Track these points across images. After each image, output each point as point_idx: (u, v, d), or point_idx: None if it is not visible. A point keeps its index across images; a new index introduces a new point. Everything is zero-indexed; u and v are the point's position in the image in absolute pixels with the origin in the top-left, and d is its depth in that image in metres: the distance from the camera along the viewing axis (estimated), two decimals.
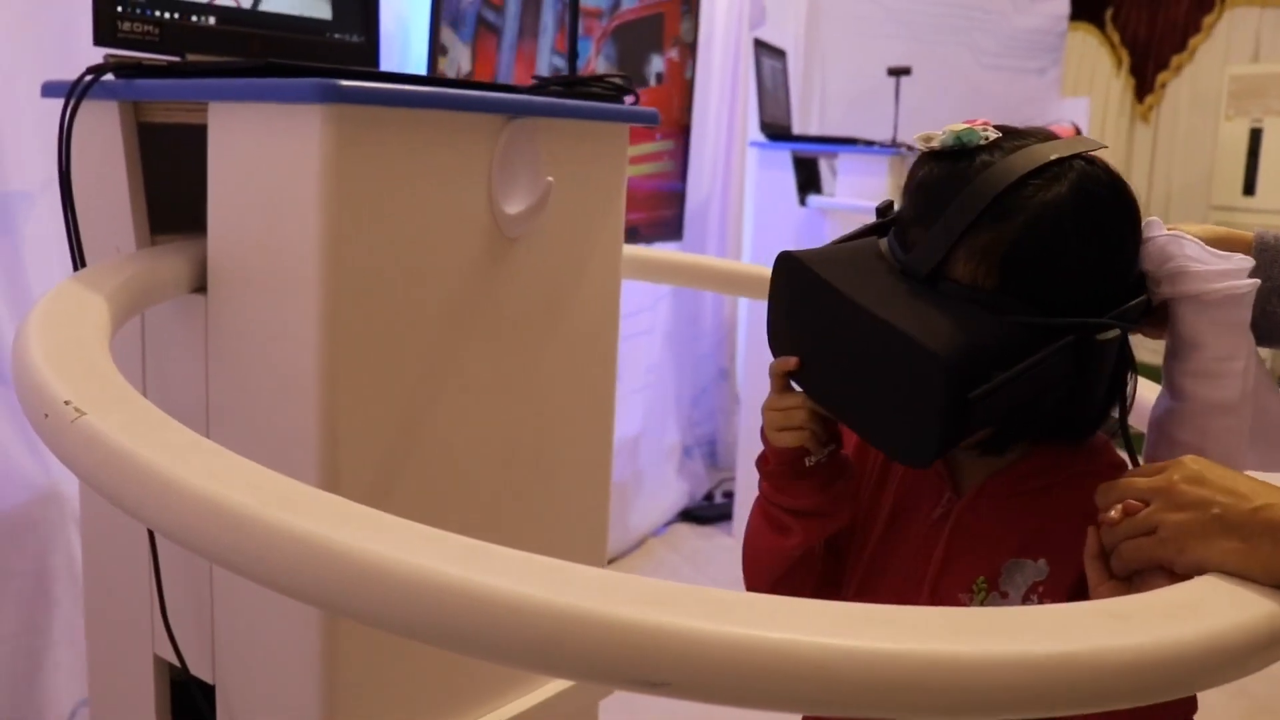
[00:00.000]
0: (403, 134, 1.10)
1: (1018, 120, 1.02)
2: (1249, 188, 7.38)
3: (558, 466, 1.41)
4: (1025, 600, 1.01)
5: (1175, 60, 7.65)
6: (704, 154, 4.33)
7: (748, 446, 4.23)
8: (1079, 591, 0.98)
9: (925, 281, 0.94)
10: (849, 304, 0.94)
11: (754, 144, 4.00)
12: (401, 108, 1.10)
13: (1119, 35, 7.71)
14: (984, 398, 0.87)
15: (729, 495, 4.56)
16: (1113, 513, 0.86)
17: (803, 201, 4.00)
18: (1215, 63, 7.47)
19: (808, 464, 1.07)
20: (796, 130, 4.34)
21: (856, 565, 1.15)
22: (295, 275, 1.08)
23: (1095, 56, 7.68)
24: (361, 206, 1.07)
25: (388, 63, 2.37)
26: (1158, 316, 0.97)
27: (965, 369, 0.87)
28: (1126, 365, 0.97)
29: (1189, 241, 0.94)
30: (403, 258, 1.13)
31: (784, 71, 4.06)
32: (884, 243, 1.01)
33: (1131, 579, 0.87)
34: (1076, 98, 6.50)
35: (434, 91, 1.13)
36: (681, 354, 4.48)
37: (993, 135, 0.95)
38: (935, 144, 0.97)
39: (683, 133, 3.93)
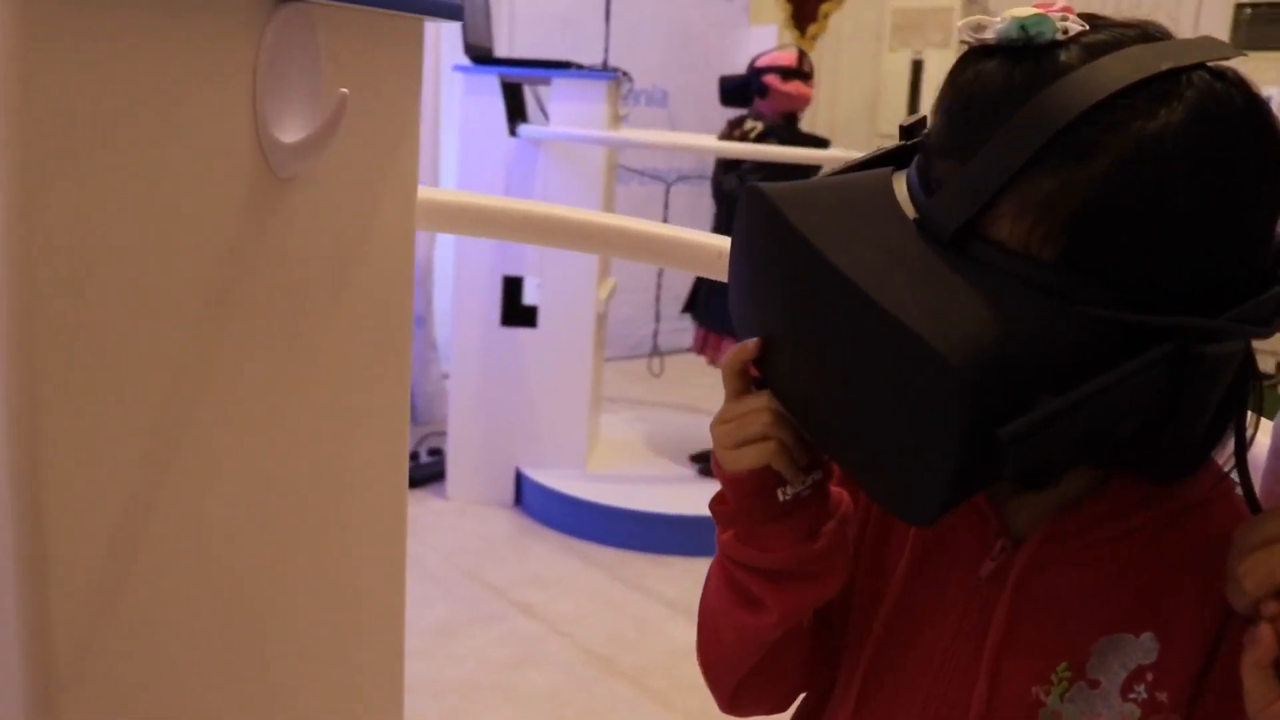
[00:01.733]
0: (120, 30, 0.68)
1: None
2: (912, 114, 7.65)
3: (350, 500, 1.03)
4: (1127, 693, 0.73)
5: None
6: None
7: (456, 399, 3.89)
8: (1204, 682, 0.72)
9: (950, 245, 0.63)
10: (831, 273, 0.62)
11: (458, 68, 3.60)
12: None
13: None
14: (1022, 437, 0.58)
15: (436, 452, 4.22)
16: None
17: (513, 131, 3.65)
18: None
19: (782, 499, 0.76)
20: (501, 55, 3.97)
21: (862, 644, 0.84)
22: None
23: None
24: (62, 140, 0.65)
25: None
26: None
27: (995, 387, 0.58)
28: (1247, 382, 0.68)
29: None
30: (128, 216, 0.71)
31: None
32: (901, 179, 0.70)
33: None
34: (765, 25, 6.42)
35: None
36: None
37: (1075, 28, 0.65)
38: (990, 35, 0.65)
39: None
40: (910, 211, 0.67)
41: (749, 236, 0.71)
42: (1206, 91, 0.62)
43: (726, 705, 0.89)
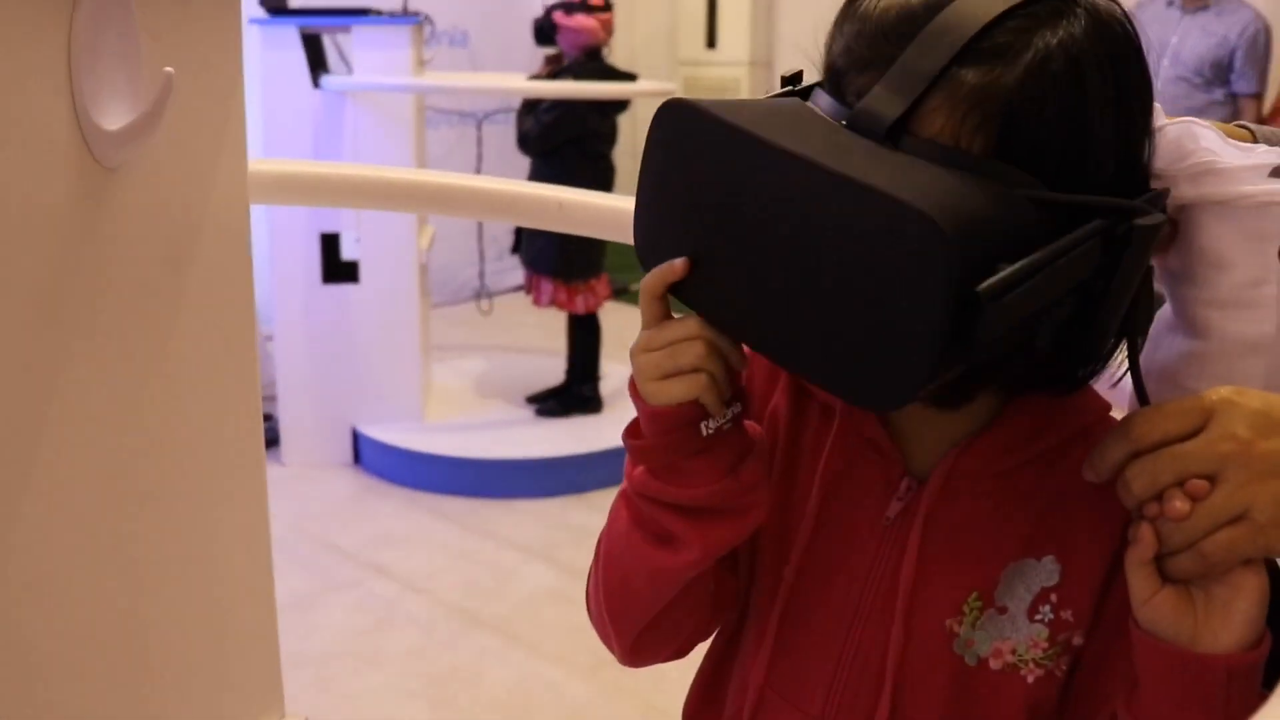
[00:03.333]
0: None
1: None
2: (711, 41, 7.72)
3: (208, 484, 0.99)
4: (1033, 615, 0.76)
5: None
6: None
7: (283, 362, 3.78)
8: (1105, 598, 0.76)
9: (886, 140, 0.65)
10: (783, 158, 0.63)
11: (254, 20, 3.45)
12: None
13: None
14: (999, 294, 0.59)
15: (268, 418, 4.10)
16: (1178, 502, 0.63)
17: (316, 83, 3.54)
18: None
19: (705, 432, 0.74)
20: (295, 4, 3.81)
21: (773, 590, 0.84)
22: None
23: None
24: None
25: None
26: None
27: (969, 247, 0.59)
28: (1145, 281, 0.70)
29: (1205, 129, 0.71)
30: None
31: None
32: (810, 104, 0.71)
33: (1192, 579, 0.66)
34: None
35: None
36: None
37: None
38: None
39: None
40: (834, 121, 0.68)
41: (667, 153, 0.69)
42: (1095, 10, 0.68)
43: (627, 654, 0.87)
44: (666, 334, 0.72)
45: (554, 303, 4.13)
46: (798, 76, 0.76)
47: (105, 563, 0.83)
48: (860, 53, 0.69)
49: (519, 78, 4.13)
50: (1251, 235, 0.70)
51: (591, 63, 4.04)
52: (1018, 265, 0.60)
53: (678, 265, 0.70)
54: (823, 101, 0.71)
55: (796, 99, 0.73)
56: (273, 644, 1.15)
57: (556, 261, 4.05)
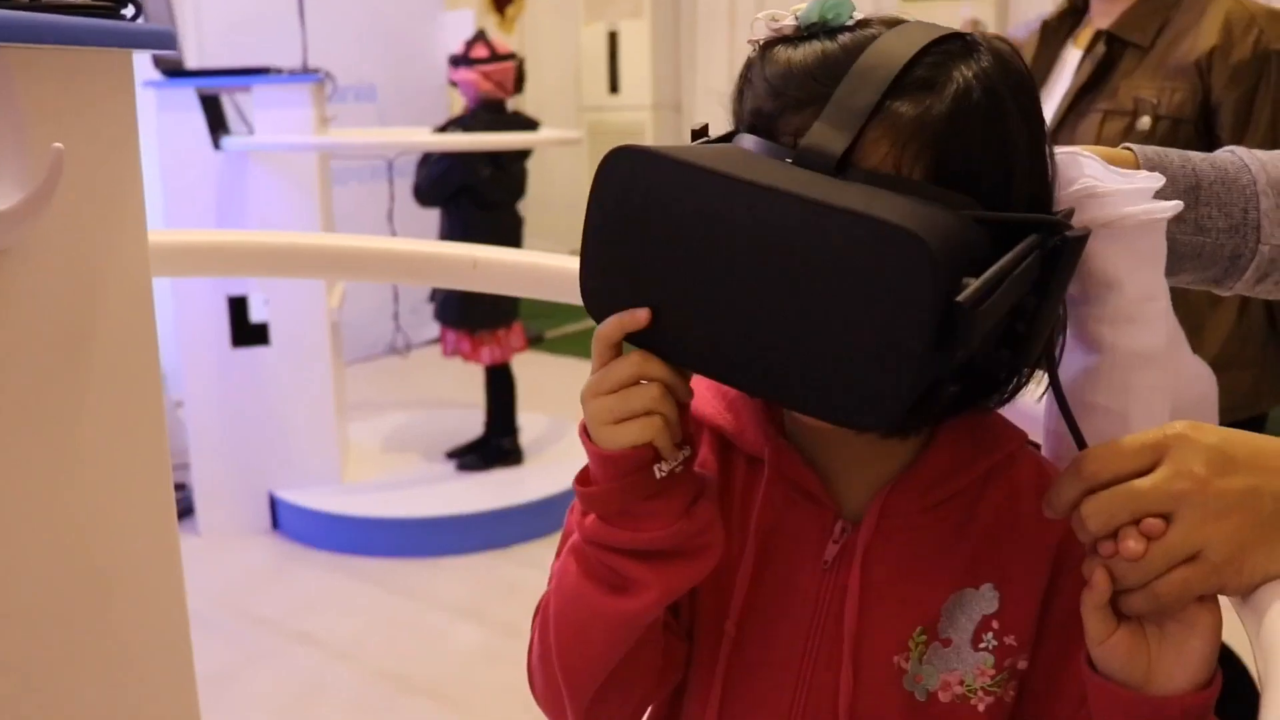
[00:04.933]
0: None
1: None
2: (613, 87, 7.79)
3: (120, 560, 0.94)
4: (977, 643, 0.78)
5: None
6: None
7: (195, 428, 3.69)
8: (1043, 619, 0.78)
9: (836, 173, 0.67)
10: (756, 192, 0.64)
11: (149, 83, 3.38)
12: None
13: None
14: (978, 302, 0.61)
15: (181, 487, 3.99)
16: (1132, 542, 0.64)
17: (217, 144, 3.48)
18: None
19: (659, 474, 0.73)
20: (191, 65, 3.76)
21: (715, 645, 0.83)
22: None
23: None
24: None
25: None
26: None
27: (947, 262, 0.61)
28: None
29: (1088, 159, 0.75)
30: None
31: None
32: (747, 143, 0.73)
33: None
34: (460, 10, 6.34)
35: None
36: None
37: (858, 15, 0.73)
38: (789, 23, 0.73)
39: None
40: (781, 159, 0.70)
41: (620, 202, 0.69)
42: (991, 46, 0.73)
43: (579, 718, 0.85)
44: (616, 376, 0.71)
45: (458, 353, 4.08)
46: (705, 130, 0.78)
47: (16, 648, 0.79)
48: (792, 95, 0.71)
49: (424, 131, 4.10)
50: (1138, 254, 0.74)
51: (486, 114, 4.02)
52: (985, 276, 0.62)
53: (640, 315, 0.69)
54: (752, 145, 0.72)
55: (729, 144, 0.74)
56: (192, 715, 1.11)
57: (459, 311, 4.01)
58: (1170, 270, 0.80)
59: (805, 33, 0.73)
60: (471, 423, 4.38)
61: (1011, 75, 0.71)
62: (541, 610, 0.84)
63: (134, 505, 0.98)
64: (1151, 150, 0.84)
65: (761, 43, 0.75)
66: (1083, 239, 0.70)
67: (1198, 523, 0.62)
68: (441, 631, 3.17)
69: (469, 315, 4.02)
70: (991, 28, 5.34)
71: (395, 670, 2.98)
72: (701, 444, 0.86)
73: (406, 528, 3.67)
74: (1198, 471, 0.63)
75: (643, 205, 0.68)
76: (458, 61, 4.01)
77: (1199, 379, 0.82)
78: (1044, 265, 0.69)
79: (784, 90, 0.72)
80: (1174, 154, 0.84)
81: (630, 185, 0.68)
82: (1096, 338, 0.75)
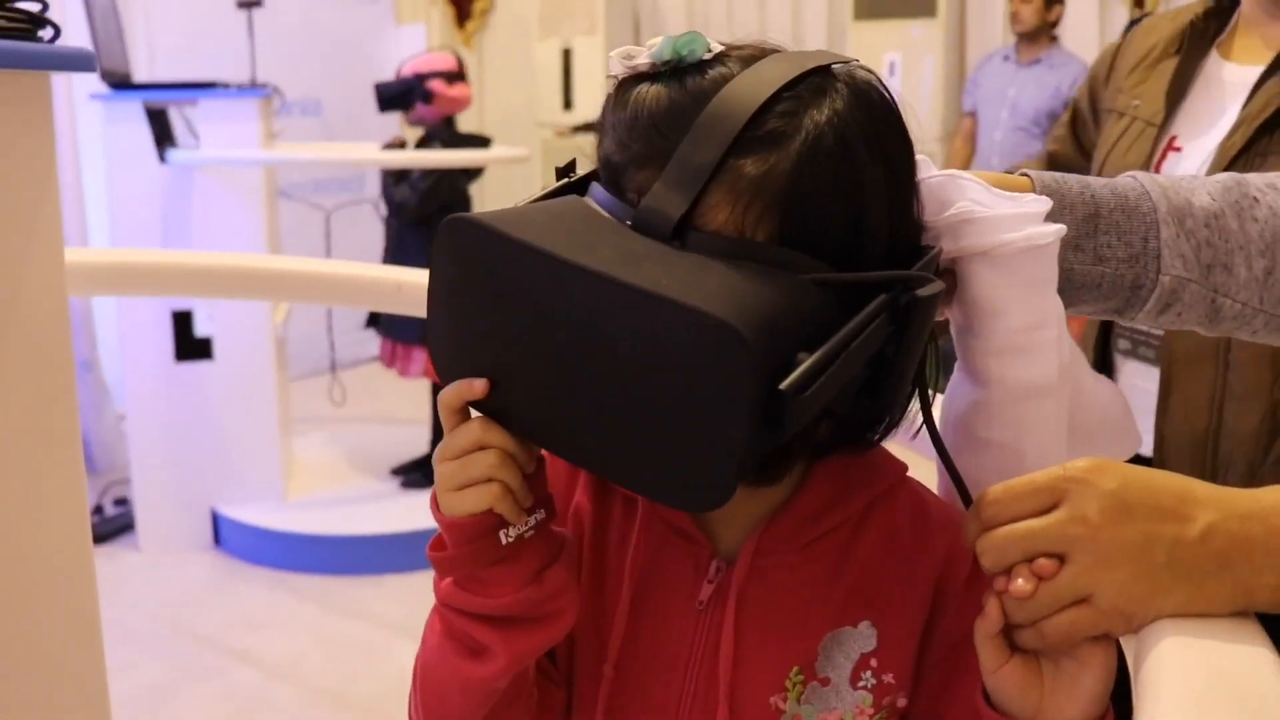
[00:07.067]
0: None
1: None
2: (568, 103, 7.81)
3: (30, 574, 0.95)
4: (856, 682, 0.77)
5: None
6: None
7: (137, 443, 3.66)
8: (923, 658, 0.78)
9: (674, 238, 0.65)
10: (580, 275, 0.62)
11: (95, 96, 3.37)
12: None
13: None
14: (802, 388, 0.60)
15: (122, 502, 3.96)
16: (1021, 581, 0.63)
17: (163, 158, 3.47)
18: None
19: (504, 540, 0.72)
20: (139, 78, 3.74)
21: (593, 690, 0.82)
22: None
23: None
24: None
25: None
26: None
27: (769, 347, 0.60)
28: (931, 338, 0.73)
29: (970, 182, 0.73)
30: None
31: (114, 10, 3.44)
32: (590, 201, 0.71)
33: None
34: (413, 24, 6.34)
35: None
36: None
37: (717, 47, 0.70)
38: (644, 60, 0.70)
39: None
40: (618, 222, 0.68)
41: (458, 270, 0.68)
42: (853, 82, 0.70)
43: None
44: (457, 443, 0.71)
45: (426, 372, 4.07)
46: (572, 166, 0.77)
47: None
48: (636, 149, 0.69)
49: (372, 147, 4.09)
50: (1023, 280, 0.71)
51: (453, 130, 4.05)
52: (817, 355, 0.61)
53: (478, 385, 0.69)
54: (600, 197, 0.71)
55: (576, 198, 0.73)
56: None
57: (394, 320, 4.01)
58: (1069, 301, 0.79)
59: (660, 68, 0.70)
60: (416, 440, 4.37)
61: (867, 111, 0.69)
62: (415, 663, 0.83)
63: (46, 525, 0.99)
64: (1050, 176, 0.81)
65: (619, 79, 0.72)
66: (934, 296, 0.67)
67: (1088, 567, 0.62)
68: (382, 650, 3.16)
69: (404, 326, 4.02)
70: (944, 49, 5.39)
71: (335, 689, 2.96)
72: (578, 487, 0.85)
73: (349, 545, 3.66)
74: (1092, 518, 0.62)
75: (477, 277, 0.67)
76: (454, 77, 4.01)
77: (1105, 404, 0.81)
78: (893, 322, 0.67)
79: (629, 144, 0.70)
80: (1073, 179, 0.82)
81: (464, 257, 0.67)
82: (983, 370, 0.74)
